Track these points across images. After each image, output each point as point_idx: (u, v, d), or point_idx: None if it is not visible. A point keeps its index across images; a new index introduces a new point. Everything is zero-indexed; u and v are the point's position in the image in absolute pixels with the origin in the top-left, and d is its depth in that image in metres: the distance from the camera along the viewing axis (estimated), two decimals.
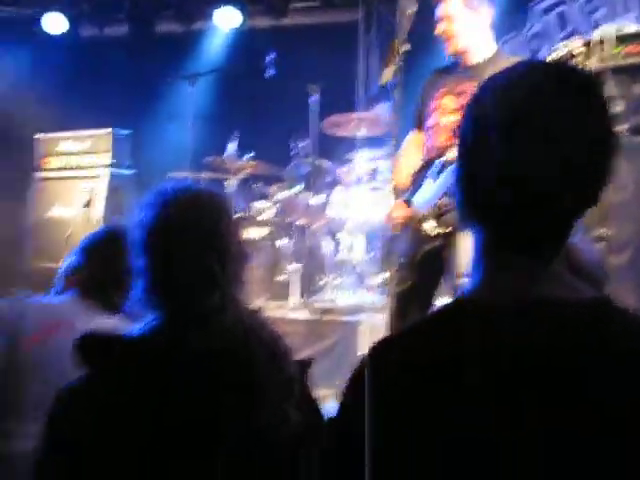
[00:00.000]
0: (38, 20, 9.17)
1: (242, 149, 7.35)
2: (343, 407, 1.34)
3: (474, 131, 1.32)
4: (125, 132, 8.54)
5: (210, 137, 7.70)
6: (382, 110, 7.21)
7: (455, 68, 4.56)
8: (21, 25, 9.45)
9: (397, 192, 4.03)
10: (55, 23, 9.18)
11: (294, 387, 1.94)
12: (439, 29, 4.43)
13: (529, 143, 1.24)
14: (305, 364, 2.05)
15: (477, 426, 1.18)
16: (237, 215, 2.00)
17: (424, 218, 4.34)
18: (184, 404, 1.83)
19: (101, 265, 2.94)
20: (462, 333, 1.25)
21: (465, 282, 4.18)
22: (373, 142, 7.17)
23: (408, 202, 4.35)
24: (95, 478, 1.82)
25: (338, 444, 1.31)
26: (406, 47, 3.92)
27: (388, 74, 3.82)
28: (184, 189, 2.03)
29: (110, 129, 8.36)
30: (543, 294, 1.26)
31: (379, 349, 1.31)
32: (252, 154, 7.39)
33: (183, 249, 1.93)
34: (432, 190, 4.35)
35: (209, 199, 2.03)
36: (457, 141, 1.39)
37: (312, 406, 2.02)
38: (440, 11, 4.43)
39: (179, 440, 1.81)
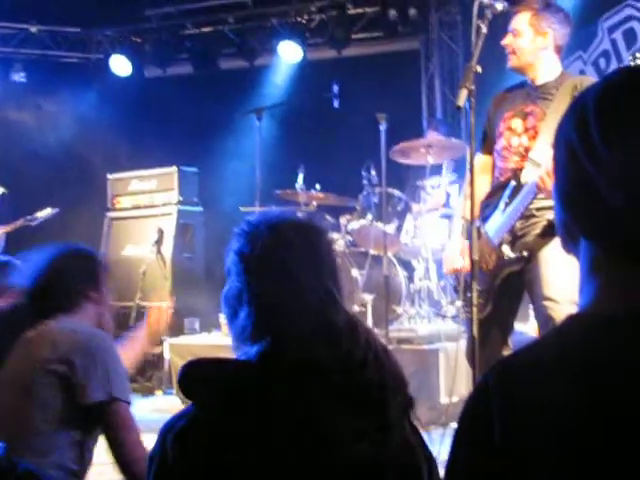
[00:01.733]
0: (105, 64, 9.32)
1: (310, 181, 7.34)
2: (464, 438, 1.26)
3: (579, 140, 1.26)
4: (192, 169, 8.63)
5: (278, 170, 7.72)
6: (433, 138, 7.14)
7: (522, 89, 4.48)
8: (89, 69, 9.64)
9: (469, 219, 3.94)
10: (121, 65, 9.33)
11: (408, 411, 1.91)
12: (504, 40, 4.39)
13: None
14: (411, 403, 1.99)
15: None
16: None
17: (500, 244, 4.26)
18: (317, 422, 1.78)
19: None
20: (591, 347, 1.19)
21: (549, 305, 4.10)
22: (442, 168, 7.12)
23: (480, 230, 4.27)
24: None
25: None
26: (478, 69, 3.85)
27: (463, 96, 3.76)
28: (288, 217, 2.02)
29: (176, 167, 8.45)
30: None
31: (505, 372, 1.24)
32: (321, 186, 7.37)
33: (297, 272, 1.91)
34: (506, 214, 4.27)
35: (314, 226, 2.04)
36: (554, 154, 1.33)
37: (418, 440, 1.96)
38: (511, 23, 4.38)
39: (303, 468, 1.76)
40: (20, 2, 9.04)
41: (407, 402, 1.91)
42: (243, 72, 9.34)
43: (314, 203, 7.42)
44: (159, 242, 8.14)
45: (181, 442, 1.80)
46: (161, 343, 7.11)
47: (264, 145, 7.33)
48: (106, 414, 2.76)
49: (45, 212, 7.58)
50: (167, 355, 7.23)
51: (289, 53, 8.96)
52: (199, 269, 8.64)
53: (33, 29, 9.45)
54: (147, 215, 8.58)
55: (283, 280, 1.92)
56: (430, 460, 1.91)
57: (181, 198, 8.47)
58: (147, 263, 8.06)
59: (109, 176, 8.92)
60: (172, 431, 1.82)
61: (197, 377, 1.85)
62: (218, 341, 7.21)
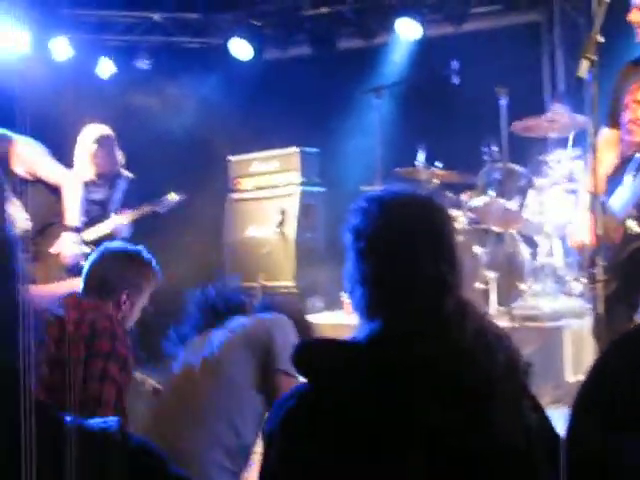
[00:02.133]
0: (226, 48, 9.44)
1: (431, 158, 7.29)
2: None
3: None
4: (313, 150, 8.68)
5: (398, 148, 7.69)
6: (556, 113, 6.98)
7: None
8: (210, 54, 9.78)
9: (593, 193, 3.86)
10: (241, 49, 9.42)
11: (527, 396, 1.86)
12: (631, 17, 4.27)
13: None
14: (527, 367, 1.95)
15: None
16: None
17: (626, 219, 4.16)
18: (422, 410, 1.76)
19: None
20: None
21: None
22: (566, 142, 6.97)
23: (604, 205, 4.17)
24: None
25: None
26: (600, 39, 3.75)
27: (584, 67, 3.67)
28: (403, 195, 1.99)
29: (298, 148, 8.52)
30: None
31: (622, 351, 1.22)
32: (441, 163, 7.32)
33: (413, 254, 1.89)
34: (632, 188, 4.16)
35: (431, 204, 2.00)
36: None
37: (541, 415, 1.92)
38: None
39: (414, 447, 1.75)
40: None
41: (523, 388, 1.87)
42: (362, 51, 9.31)
43: (435, 180, 7.37)
44: (282, 223, 8.23)
45: (287, 425, 1.84)
46: None
47: (384, 123, 7.32)
48: (280, 386, 3.11)
49: (171, 197, 7.72)
50: None
51: (407, 30, 8.87)
52: (322, 249, 8.68)
53: (156, 17, 9.64)
54: (269, 196, 8.68)
55: (395, 263, 1.90)
56: (553, 441, 1.87)
57: (303, 179, 8.54)
58: (270, 243, 8.17)
59: (230, 158, 9.07)
60: (281, 411, 1.87)
61: (309, 357, 1.88)
62: (341, 320, 7.24)
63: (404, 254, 1.89)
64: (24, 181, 5.93)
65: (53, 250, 5.78)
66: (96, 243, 7.08)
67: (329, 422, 1.79)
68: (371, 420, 1.76)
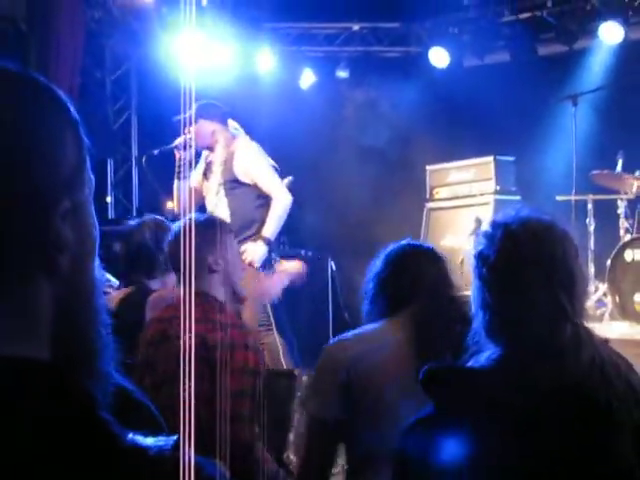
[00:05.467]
0: (424, 56, 9.49)
1: (630, 167, 7.02)
2: None
3: None
4: (508, 158, 8.57)
5: (596, 157, 7.49)
6: None
7: None
8: (409, 63, 9.86)
9: None
10: (440, 57, 9.43)
11: None
12: None
13: None
14: None
15: None
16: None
17: None
18: (532, 440, 1.77)
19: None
20: None
21: None
22: None
23: None
24: None
25: None
26: None
27: None
28: (527, 221, 1.98)
29: (492, 157, 8.44)
30: None
31: None
32: None
33: (529, 283, 1.90)
34: None
35: (554, 230, 1.99)
36: None
37: None
38: None
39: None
40: (343, 3, 9.45)
41: None
42: (560, 57, 9.05)
43: (635, 188, 7.08)
44: (476, 232, 8.14)
45: (412, 437, 1.90)
46: None
47: (581, 131, 7.14)
48: None
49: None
50: None
51: (610, 34, 8.54)
52: None
53: (356, 27, 9.82)
54: (465, 205, 8.63)
55: (512, 291, 1.92)
56: None
57: (498, 187, 8.43)
58: (465, 252, 8.09)
59: (428, 167, 9.07)
60: (410, 428, 1.93)
61: (435, 379, 1.93)
62: None
63: (522, 282, 1.91)
64: (237, 181, 6.03)
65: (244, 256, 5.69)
66: None
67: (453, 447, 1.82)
68: (495, 445, 1.79)
